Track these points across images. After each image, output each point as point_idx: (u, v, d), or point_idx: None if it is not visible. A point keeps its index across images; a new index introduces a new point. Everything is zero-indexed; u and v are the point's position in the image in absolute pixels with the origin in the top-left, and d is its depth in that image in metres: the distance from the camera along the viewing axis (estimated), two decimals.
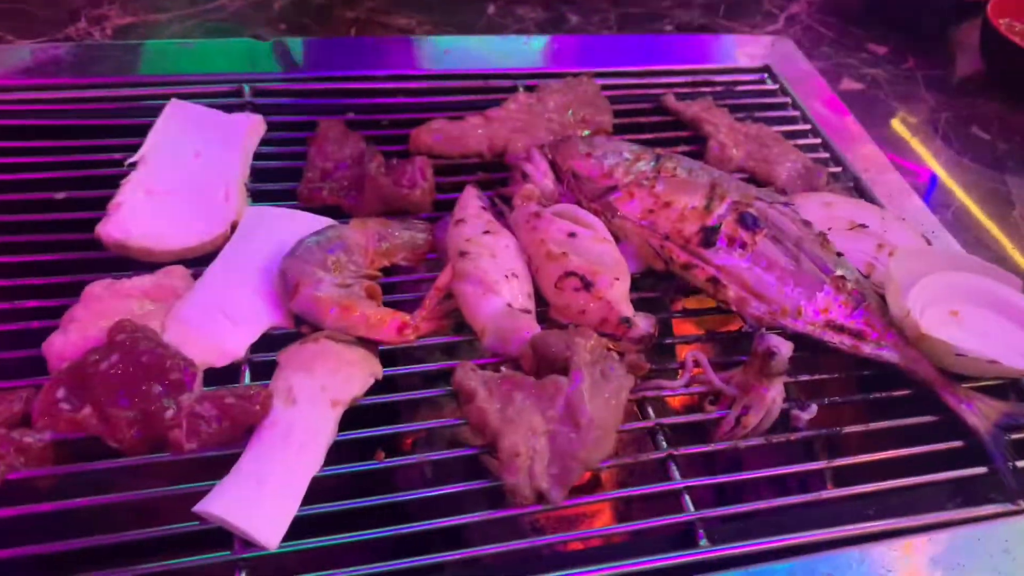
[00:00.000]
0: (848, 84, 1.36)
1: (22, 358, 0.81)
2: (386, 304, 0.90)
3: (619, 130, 1.18)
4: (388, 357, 0.88)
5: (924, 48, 1.45)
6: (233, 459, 0.75)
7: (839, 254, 0.94)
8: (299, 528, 0.72)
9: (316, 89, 1.17)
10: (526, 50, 1.30)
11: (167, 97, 1.10)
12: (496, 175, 1.08)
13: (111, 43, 1.18)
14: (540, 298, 0.91)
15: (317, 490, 0.74)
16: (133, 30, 1.22)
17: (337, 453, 0.78)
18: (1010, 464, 0.82)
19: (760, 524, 0.77)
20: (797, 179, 1.11)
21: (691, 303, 0.99)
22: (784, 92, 1.29)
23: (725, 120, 1.18)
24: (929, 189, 1.18)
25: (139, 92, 1.12)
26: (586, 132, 1.13)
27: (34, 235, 0.92)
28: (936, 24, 1.47)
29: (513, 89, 1.22)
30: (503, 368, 0.81)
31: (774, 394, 0.84)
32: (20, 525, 0.71)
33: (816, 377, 0.90)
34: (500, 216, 1.00)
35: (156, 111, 1.07)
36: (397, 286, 0.94)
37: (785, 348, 0.83)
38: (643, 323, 0.86)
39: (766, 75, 1.33)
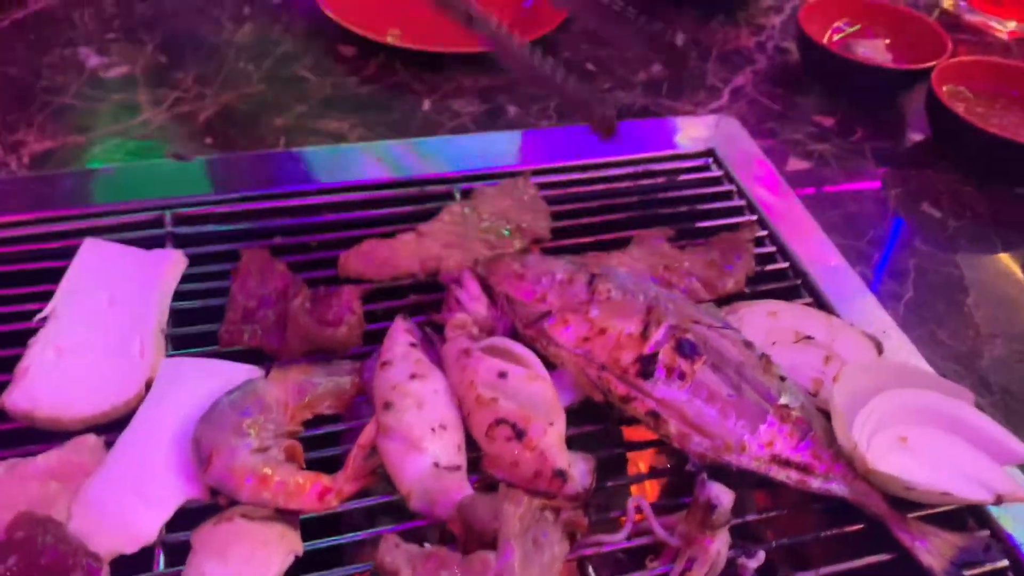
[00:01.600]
0: (795, 164, 1.33)
1: None
2: (311, 461, 0.86)
3: (558, 234, 1.14)
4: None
5: (871, 117, 1.42)
6: None
7: (783, 378, 0.90)
8: None
9: (242, 211, 1.13)
10: (462, 150, 1.26)
11: (86, 232, 1.06)
12: (430, 297, 1.04)
13: (25, 176, 1.13)
14: (473, 443, 0.87)
15: None
16: (52, 156, 1.18)
17: None
18: None
19: None
20: None
21: (635, 434, 0.95)
22: (729, 179, 1.26)
23: None
24: (876, 281, 1.15)
25: (58, 228, 1.08)
26: (517, 246, 1.09)
27: None
28: (882, 92, 1.44)
29: (449, 195, 1.19)
30: (427, 544, 0.77)
31: (719, 545, 0.79)
32: None
33: (763, 516, 0.86)
34: (432, 346, 0.96)
35: (75, 249, 1.03)
36: (323, 439, 0.90)
37: (726, 498, 0.79)
38: (579, 475, 0.82)
39: (711, 159, 1.30)
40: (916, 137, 1.40)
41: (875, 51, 1.46)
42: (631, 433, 0.97)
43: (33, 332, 0.94)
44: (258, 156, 1.19)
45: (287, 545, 0.77)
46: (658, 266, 1.06)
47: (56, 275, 1.00)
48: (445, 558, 0.75)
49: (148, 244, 1.05)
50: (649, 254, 1.07)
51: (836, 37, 1.51)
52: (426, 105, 1.35)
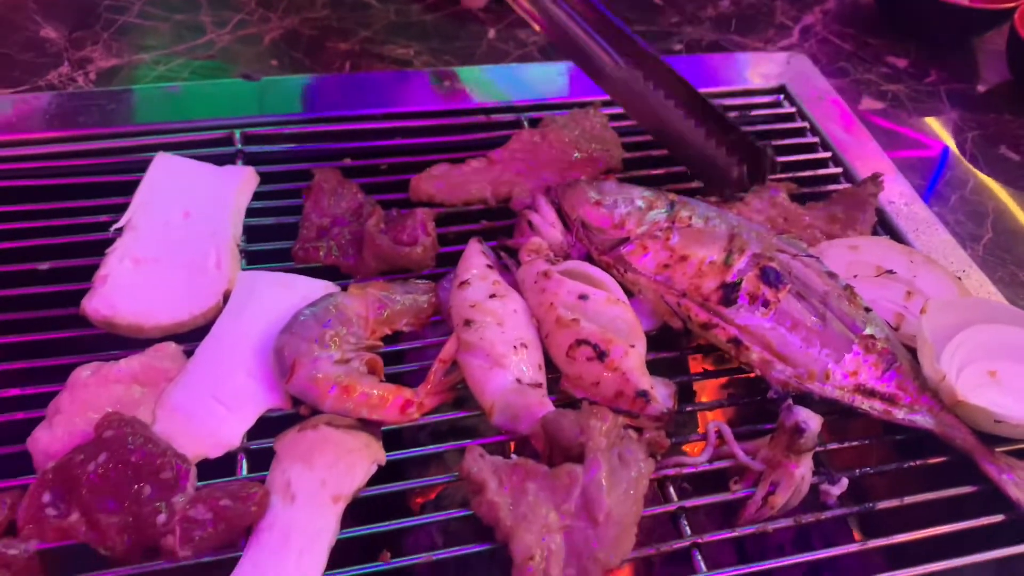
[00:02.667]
0: (868, 103, 1.30)
1: (7, 455, 0.77)
2: (389, 375, 0.86)
3: (629, 165, 1.12)
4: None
5: (946, 58, 1.38)
6: (231, 563, 0.71)
7: (867, 309, 0.89)
8: None
9: (310, 132, 1.12)
10: (529, 79, 1.24)
11: (155, 148, 1.05)
12: (501, 223, 1.03)
13: (96, 91, 1.13)
14: (552, 364, 0.86)
15: None
16: (118, 73, 1.17)
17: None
18: None
19: None
20: None
21: (712, 363, 0.94)
22: (801, 115, 1.23)
23: None
24: (955, 222, 1.12)
25: (126, 143, 1.07)
26: (584, 177, 1.07)
27: (17, 312, 0.88)
28: (957, 33, 1.40)
29: (517, 123, 1.17)
30: (513, 455, 0.77)
31: (803, 471, 0.79)
32: None
33: (846, 445, 0.85)
34: (506, 270, 0.95)
35: (144, 164, 1.02)
36: (400, 355, 0.89)
37: (814, 423, 0.78)
38: (661, 397, 0.81)
39: (782, 96, 1.27)
40: (993, 80, 1.36)
41: None
42: (708, 363, 0.96)
43: (109, 243, 0.93)
44: (326, 79, 1.18)
45: (371, 454, 0.77)
46: (778, 219, 1.03)
47: (128, 188, 0.99)
48: (531, 470, 0.74)
49: (218, 161, 1.05)
50: (769, 207, 1.04)
51: None
52: (491, 34, 1.32)
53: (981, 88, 1.35)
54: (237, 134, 1.09)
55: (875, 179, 1.08)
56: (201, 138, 1.08)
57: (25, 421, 0.79)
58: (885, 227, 1.08)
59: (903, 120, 1.28)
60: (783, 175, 1.13)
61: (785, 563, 0.75)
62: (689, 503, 0.78)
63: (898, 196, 1.11)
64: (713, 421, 0.84)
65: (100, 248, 0.93)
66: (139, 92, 1.13)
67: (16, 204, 0.98)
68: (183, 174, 1.01)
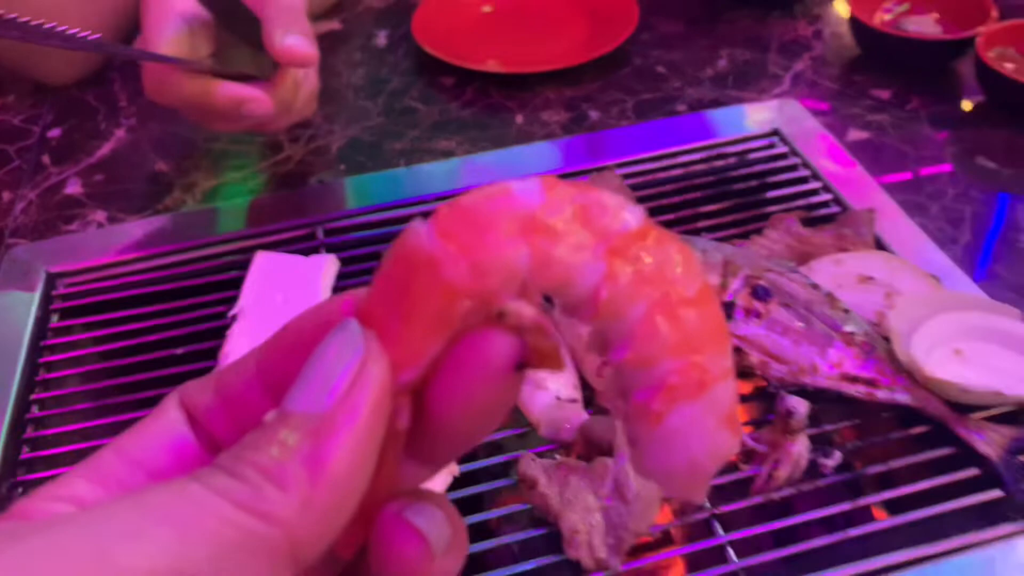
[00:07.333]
0: (855, 134, 1.47)
1: None
2: None
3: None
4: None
5: (926, 86, 1.54)
6: None
7: (847, 310, 1.05)
8: None
9: (378, 220, 1.35)
10: (553, 153, 1.46)
11: (254, 248, 1.30)
12: None
13: (203, 208, 1.38)
14: (587, 384, 1.06)
15: None
16: (219, 191, 1.43)
17: None
18: (1021, 485, 0.91)
19: (797, 565, 0.88)
20: None
21: None
22: (794, 153, 1.41)
23: None
24: (935, 228, 1.28)
25: (231, 247, 1.32)
26: None
27: (163, 389, 1.12)
28: (933, 63, 1.57)
29: None
30: (558, 455, 0.96)
31: (799, 448, 0.95)
32: None
33: (838, 426, 1.01)
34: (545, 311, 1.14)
35: (247, 262, 1.26)
36: None
37: (802, 407, 0.95)
38: None
39: (776, 139, 1.45)
40: (971, 100, 1.51)
41: (925, 26, 1.59)
42: None
43: (227, 327, 1.17)
44: (386, 175, 1.42)
45: (448, 467, 0.97)
46: (794, 244, 1.20)
47: (237, 283, 1.23)
48: (573, 466, 0.93)
49: (305, 253, 1.28)
50: (785, 235, 1.22)
51: (887, 17, 1.64)
52: (519, 119, 1.55)
53: (960, 109, 1.51)
54: (319, 229, 1.33)
55: (870, 210, 1.25)
56: (290, 236, 1.33)
57: None
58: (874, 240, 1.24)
59: (887, 145, 1.44)
60: (785, 206, 1.31)
61: (788, 523, 0.91)
62: None
63: (883, 214, 1.28)
64: None
65: (220, 332, 1.17)
66: (236, 204, 1.39)
67: (151, 305, 1.23)
68: (278, 266, 1.25)
